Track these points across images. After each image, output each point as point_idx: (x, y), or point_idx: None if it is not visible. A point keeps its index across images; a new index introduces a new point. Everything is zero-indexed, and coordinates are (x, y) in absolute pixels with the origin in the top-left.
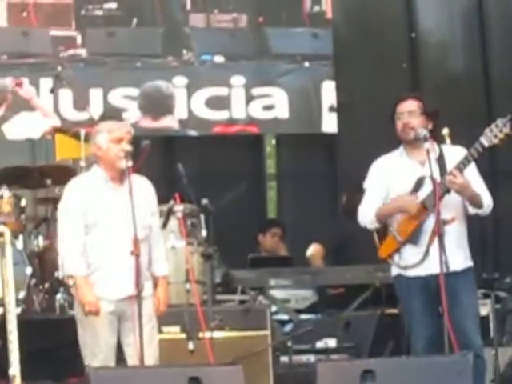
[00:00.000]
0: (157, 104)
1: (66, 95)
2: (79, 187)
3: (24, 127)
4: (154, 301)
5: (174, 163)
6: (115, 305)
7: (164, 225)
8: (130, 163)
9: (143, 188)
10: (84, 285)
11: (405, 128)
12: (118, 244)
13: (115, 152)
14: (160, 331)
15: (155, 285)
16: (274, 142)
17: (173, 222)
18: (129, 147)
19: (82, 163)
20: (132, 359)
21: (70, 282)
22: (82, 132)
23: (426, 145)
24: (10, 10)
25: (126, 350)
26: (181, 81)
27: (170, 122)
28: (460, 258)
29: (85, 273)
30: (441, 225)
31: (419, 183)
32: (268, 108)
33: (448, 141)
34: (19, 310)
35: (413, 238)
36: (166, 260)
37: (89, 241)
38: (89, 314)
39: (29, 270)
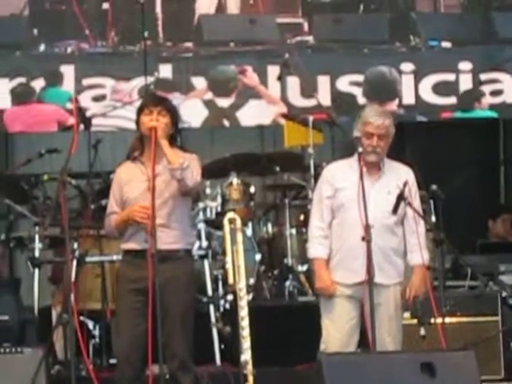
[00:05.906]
0: (382, 90)
1: (293, 82)
2: (331, 172)
3: (254, 114)
4: (402, 289)
5: (404, 148)
6: (352, 289)
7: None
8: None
9: (398, 176)
10: (321, 268)
11: None
12: (356, 229)
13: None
14: None
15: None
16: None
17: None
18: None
19: (311, 150)
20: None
21: None
22: (310, 119)
23: None
24: None
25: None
26: (408, 66)
27: (395, 107)
28: None
29: (325, 256)
30: None
31: None
32: (496, 93)
33: None
34: (250, 296)
35: None
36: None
37: (334, 224)
38: (323, 296)
39: (258, 257)
